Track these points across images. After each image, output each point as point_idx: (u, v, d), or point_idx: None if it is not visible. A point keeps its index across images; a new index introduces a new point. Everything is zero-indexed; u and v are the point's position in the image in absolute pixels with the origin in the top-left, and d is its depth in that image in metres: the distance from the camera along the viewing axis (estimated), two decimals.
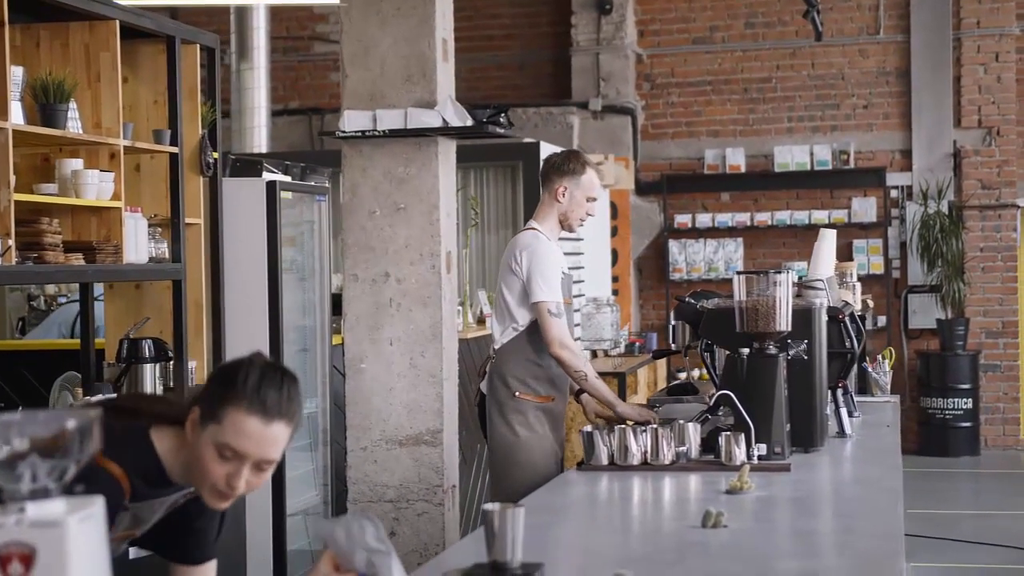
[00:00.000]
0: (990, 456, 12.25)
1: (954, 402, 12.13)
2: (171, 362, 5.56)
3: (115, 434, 2.56)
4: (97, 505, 1.79)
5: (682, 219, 12.84)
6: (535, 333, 5.19)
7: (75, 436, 1.77)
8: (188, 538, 2.86)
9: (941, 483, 11.13)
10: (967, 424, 12.17)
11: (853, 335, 5.02)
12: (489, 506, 2.73)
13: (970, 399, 12.15)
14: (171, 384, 5.59)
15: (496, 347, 5.31)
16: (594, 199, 5.33)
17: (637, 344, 10.98)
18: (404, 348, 5.91)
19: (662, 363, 11.14)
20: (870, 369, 6.42)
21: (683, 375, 12.28)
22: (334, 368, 6.82)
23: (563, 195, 5.26)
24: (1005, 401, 12.51)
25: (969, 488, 11.25)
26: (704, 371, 12.05)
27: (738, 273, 4.46)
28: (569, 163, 5.30)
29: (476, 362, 7.61)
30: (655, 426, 4.33)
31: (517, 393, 5.20)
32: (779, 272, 4.40)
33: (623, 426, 4.32)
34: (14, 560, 1.71)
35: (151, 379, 5.39)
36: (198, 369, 5.85)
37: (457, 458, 6.27)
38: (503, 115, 6.24)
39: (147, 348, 5.39)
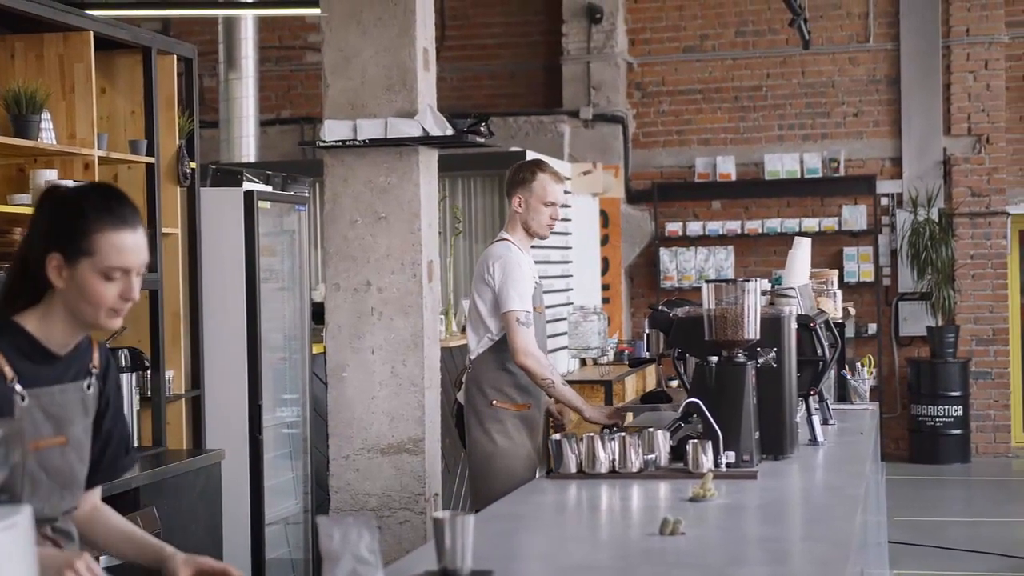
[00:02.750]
0: (980, 463, 12.25)
1: (944, 409, 12.13)
2: (148, 372, 5.58)
3: None
4: (23, 514, 1.81)
5: (673, 227, 12.86)
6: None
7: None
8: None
9: (931, 490, 11.13)
10: (958, 431, 12.17)
11: (825, 343, 5.03)
12: (438, 514, 2.75)
13: (960, 406, 12.16)
14: (148, 394, 5.61)
15: (472, 357, 5.40)
16: (552, 203, 5.39)
17: (627, 352, 10.99)
18: (386, 357, 5.93)
19: (651, 371, 11.15)
20: (849, 377, 6.43)
21: (675, 383, 12.29)
22: (315, 376, 6.84)
23: (520, 205, 5.38)
24: (996, 408, 12.51)
25: (959, 495, 11.25)
26: None
27: (707, 281, 4.48)
28: (519, 173, 5.43)
29: (459, 370, 7.63)
30: (623, 434, 4.34)
31: (494, 402, 5.29)
32: (748, 280, 4.42)
33: (591, 434, 4.33)
34: None
35: (128, 388, 5.40)
36: (175, 379, 5.86)
37: (439, 466, 6.28)
38: (484, 124, 6.26)
39: (124, 358, 5.40)
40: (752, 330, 4.39)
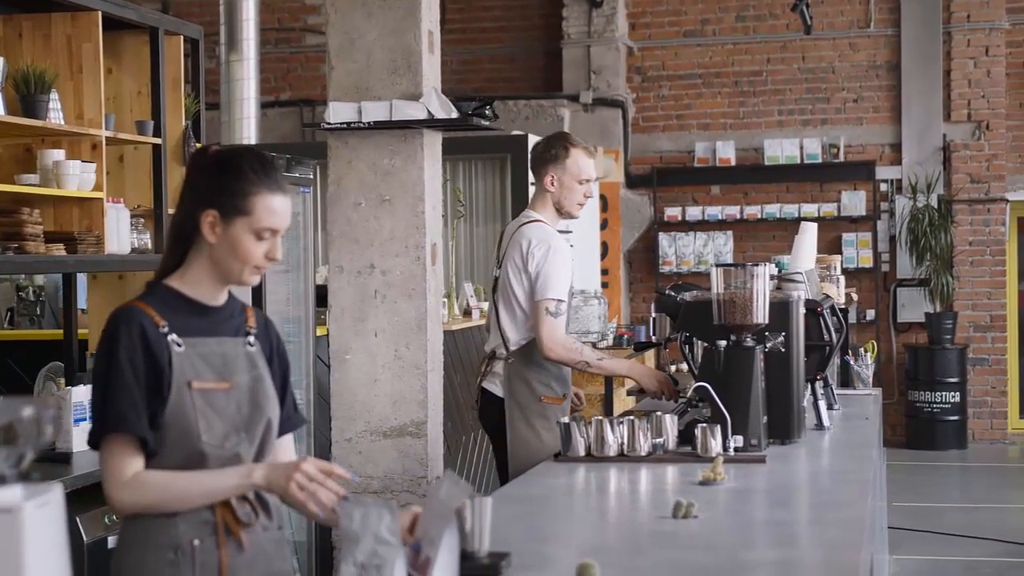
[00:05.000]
0: (977, 449, 12.29)
1: (942, 395, 12.16)
2: None
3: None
4: (55, 492, 1.81)
5: (672, 212, 12.86)
6: None
7: (31, 423, 1.79)
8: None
9: (928, 476, 11.16)
10: (955, 418, 12.20)
11: (832, 328, 5.03)
12: None
13: (958, 393, 12.18)
14: None
15: (511, 348, 5.12)
16: (586, 180, 5.14)
17: (626, 337, 11.00)
18: (389, 339, 5.94)
19: (651, 355, 11.17)
20: (852, 362, 6.44)
21: (673, 367, 12.31)
22: (318, 359, 6.84)
23: (552, 183, 5.12)
24: (993, 395, 12.54)
25: (956, 481, 11.28)
26: None
27: (716, 266, 4.47)
28: (551, 149, 5.15)
29: (461, 354, 7.63)
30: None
31: (542, 398, 5.07)
32: (756, 265, 4.42)
33: (599, 417, 4.33)
34: None
35: None
36: None
37: (442, 450, 6.28)
38: (488, 107, 6.25)
39: None
40: (761, 314, 4.39)
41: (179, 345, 2.79)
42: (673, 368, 12.57)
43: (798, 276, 5.11)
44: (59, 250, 4.94)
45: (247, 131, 10.63)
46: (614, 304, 12.19)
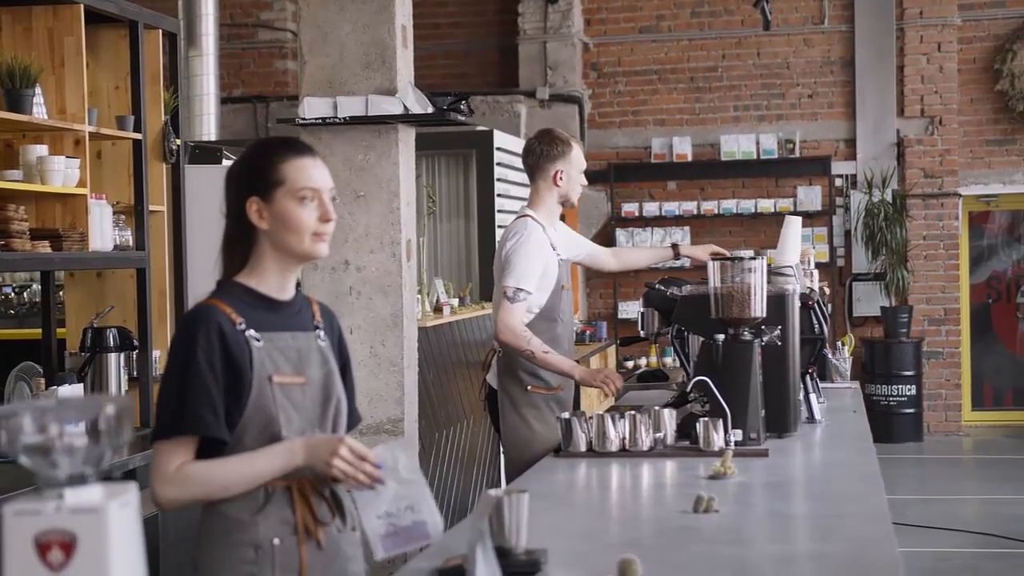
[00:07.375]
0: (933, 442, 12.41)
1: (898, 389, 12.27)
2: (136, 351, 5.49)
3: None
4: (133, 492, 1.77)
5: (629, 208, 12.88)
6: (541, 324, 5.11)
7: (111, 422, 1.75)
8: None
9: (886, 469, 11.05)
10: (911, 410, 12.31)
11: (822, 321, 5.06)
12: (494, 492, 2.72)
13: (913, 386, 12.30)
14: (135, 374, 5.52)
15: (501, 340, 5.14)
16: (583, 169, 5.36)
17: (588, 333, 11.02)
18: (365, 336, 5.91)
19: (611, 351, 11.19)
20: (830, 356, 6.47)
21: (630, 363, 12.34)
22: None
23: (561, 178, 5.24)
24: (947, 388, 12.67)
25: (913, 474, 11.38)
26: (654, 359, 12.06)
27: (713, 259, 4.47)
28: (556, 146, 5.25)
29: (434, 350, 7.59)
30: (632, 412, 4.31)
31: (529, 387, 5.14)
32: (754, 258, 4.42)
33: (601, 412, 4.31)
34: (54, 547, 1.69)
35: (115, 368, 5.32)
36: (162, 358, 5.77)
37: (417, 447, 6.26)
38: (463, 102, 6.23)
39: (111, 337, 5.32)
40: (759, 308, 4.39)
41: (258, 340, 2.79)
42: (630, 364, 12.60)
43: (788, 269, 5.12)
44: (44, 247, 4.85)
45: (207, 127, 10.54)
46: (573, 301, 12.18)
